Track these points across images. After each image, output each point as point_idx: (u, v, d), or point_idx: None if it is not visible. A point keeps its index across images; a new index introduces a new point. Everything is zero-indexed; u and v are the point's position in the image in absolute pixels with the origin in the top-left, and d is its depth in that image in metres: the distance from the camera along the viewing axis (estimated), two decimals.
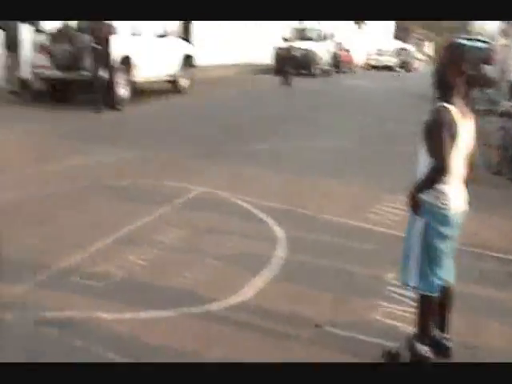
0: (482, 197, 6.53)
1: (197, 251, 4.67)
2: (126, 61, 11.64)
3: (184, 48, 14.27)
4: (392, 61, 35.98)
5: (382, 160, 8.54)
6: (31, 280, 3.97)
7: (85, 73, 10.94)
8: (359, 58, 35.62)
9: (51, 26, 11.21)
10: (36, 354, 3.16)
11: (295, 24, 25.53)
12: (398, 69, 34.66)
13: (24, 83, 11.79)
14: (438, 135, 3.06)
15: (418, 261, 3.29)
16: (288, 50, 20.29)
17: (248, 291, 4.03)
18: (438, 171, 3.08)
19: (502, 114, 8.17)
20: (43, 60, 11.15)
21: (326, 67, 24.99)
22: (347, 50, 30.46)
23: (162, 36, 13.06)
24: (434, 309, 3.41)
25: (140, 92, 13.03)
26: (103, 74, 10.85)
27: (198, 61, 19.17)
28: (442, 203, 3.20)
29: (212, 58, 19.32)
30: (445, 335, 3.51)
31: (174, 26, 17.30)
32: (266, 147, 8.55)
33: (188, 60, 14.41)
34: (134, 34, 12.05)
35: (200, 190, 6.18)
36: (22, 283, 3.91)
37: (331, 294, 4.09)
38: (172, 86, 14.22)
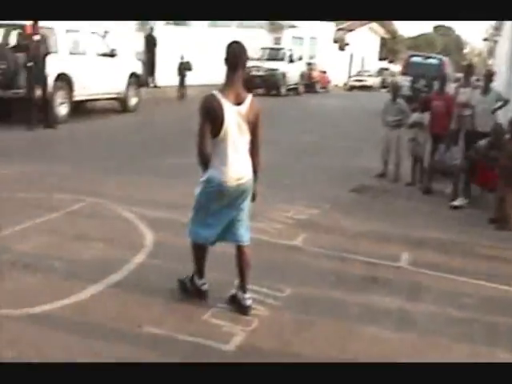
0: (389, 207, 7.05)
1: (47, 257, 4.68)
2: (64, 79, 11.69)
3: (131, 67, 14.33)
4: (372, 81, 36.18)
5: (302, 173, 8.68)
6: None
7: (20, 91, 10.95)
8: (340, 79, 37.09)
9: None
10: None
11: (265, 44, 26.00)
12: (381, 89, 34.02)
13: None
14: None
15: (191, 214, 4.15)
16: (255, 69, 20.33)
17: (81, 295, 4.05)
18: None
19: (412, 126, 8.44)
20: None
21: (295, 87, 25.06)
22: (324, 72, 31.23)
23: (107, 55, 13.10)
24: (195, 252, 4.19)
25: (83, 110, 13.10)
26: (38, 92, 10.86)
27: (161, 81, 19.49)
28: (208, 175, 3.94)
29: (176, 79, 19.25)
30: (244, 295, 4.10)
31: (134, 47, 17.96)
32: (184, 161, 8.17)
33: (136, 79, 14.51)
34: (73, 53, 12.11)
35: (90, 201, 6.21)
36: None
37: (171, 298, 4.10)
38: (119, 105, 14.29)
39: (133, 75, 14.35)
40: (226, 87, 3.89)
